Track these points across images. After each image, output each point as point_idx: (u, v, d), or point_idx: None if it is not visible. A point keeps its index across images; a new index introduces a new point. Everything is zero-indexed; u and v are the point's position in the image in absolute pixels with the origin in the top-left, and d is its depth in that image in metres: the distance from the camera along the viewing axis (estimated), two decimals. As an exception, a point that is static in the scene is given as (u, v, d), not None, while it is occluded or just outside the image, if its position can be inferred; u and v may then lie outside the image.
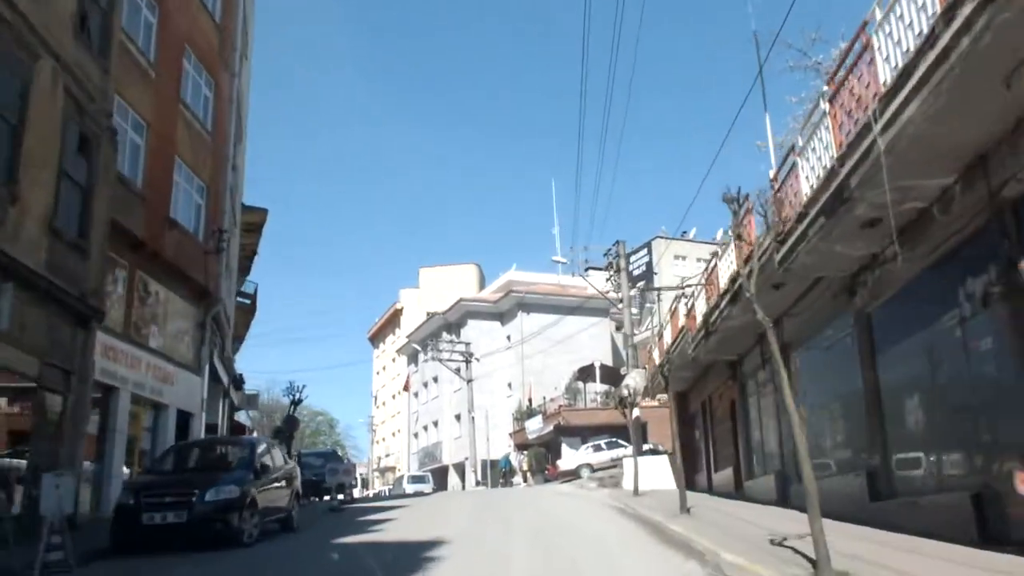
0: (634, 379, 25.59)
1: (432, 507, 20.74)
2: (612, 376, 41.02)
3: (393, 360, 73.96)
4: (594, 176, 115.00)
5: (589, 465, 32.89)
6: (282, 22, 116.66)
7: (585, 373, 41.05)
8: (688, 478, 24.44)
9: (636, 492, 20.61)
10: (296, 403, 26.38)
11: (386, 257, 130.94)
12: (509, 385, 50.85)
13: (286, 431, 27.22)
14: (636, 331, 62.36)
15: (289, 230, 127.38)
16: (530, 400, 44.51)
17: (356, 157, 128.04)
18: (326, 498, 25.95)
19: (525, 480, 38.22)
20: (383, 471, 73.99)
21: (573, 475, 33.39)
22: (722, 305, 14.02)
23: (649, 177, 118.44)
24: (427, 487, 47.33)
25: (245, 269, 31.92)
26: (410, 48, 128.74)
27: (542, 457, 37.63)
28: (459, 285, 61.71)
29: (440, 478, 54.00)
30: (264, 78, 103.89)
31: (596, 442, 33.93)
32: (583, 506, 18.50)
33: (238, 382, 26.61)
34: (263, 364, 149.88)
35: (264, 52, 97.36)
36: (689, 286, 20.42)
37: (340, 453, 41.40)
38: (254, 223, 29.06)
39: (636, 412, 28.87)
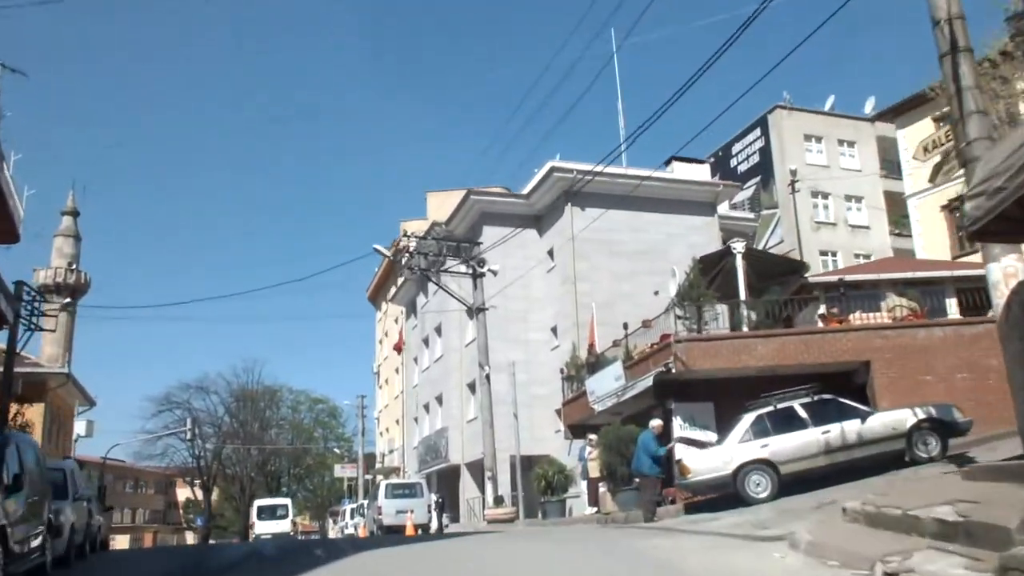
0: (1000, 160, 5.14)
1: None
2: (769, 264, 20.46)
3: (396, 320, 54.37)
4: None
5: (768, 465, 12.60)
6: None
7: (711, 265, 19.88)
8: None
9: None
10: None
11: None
12: (553, 331, 30.66)
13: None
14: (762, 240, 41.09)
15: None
16: (591, 345, 24.14)
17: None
18: None
19: (595, 504, 18.10)
20: (387, 473, 54.30)
21: (718, 491, 13.20)
22: None
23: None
24: (418, 504, 27.03)
25: None
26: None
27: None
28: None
29: (449, 485, 33.97)
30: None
31: (780, 404, 13.41)
32: None
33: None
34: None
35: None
36: None
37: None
38: None
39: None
